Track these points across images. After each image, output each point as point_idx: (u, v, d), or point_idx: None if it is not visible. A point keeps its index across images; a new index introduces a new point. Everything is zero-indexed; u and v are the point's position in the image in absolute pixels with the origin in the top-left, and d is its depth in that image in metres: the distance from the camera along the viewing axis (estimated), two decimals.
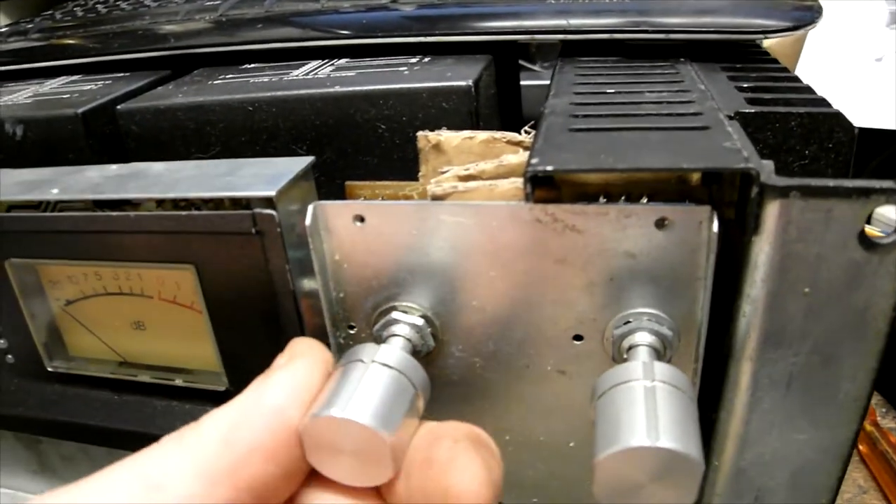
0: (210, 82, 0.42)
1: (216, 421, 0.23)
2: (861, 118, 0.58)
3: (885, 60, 0.61)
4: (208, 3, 0.52)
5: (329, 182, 0.37)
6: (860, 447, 0.49)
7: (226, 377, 0.36)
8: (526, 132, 0.31)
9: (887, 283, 0.25)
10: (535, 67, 0.74)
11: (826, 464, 0.29)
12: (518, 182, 0.27)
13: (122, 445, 0.39)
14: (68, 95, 0.46)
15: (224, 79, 0.42)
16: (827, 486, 0.30)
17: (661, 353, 0.26)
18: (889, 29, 0.62)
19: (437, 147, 0.31)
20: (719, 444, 0.29)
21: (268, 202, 0.29)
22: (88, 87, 0.47)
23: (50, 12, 0.67)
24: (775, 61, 0.40)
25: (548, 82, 0.53)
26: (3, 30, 0.61)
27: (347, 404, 0.23)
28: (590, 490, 0.33)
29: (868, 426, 0.50)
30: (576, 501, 0.34)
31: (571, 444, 0.32)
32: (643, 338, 0.27)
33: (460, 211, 0.26)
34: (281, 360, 0.26)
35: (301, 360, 0.25)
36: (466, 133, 0.31)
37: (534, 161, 0.25)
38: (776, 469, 0.29)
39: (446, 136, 0.31)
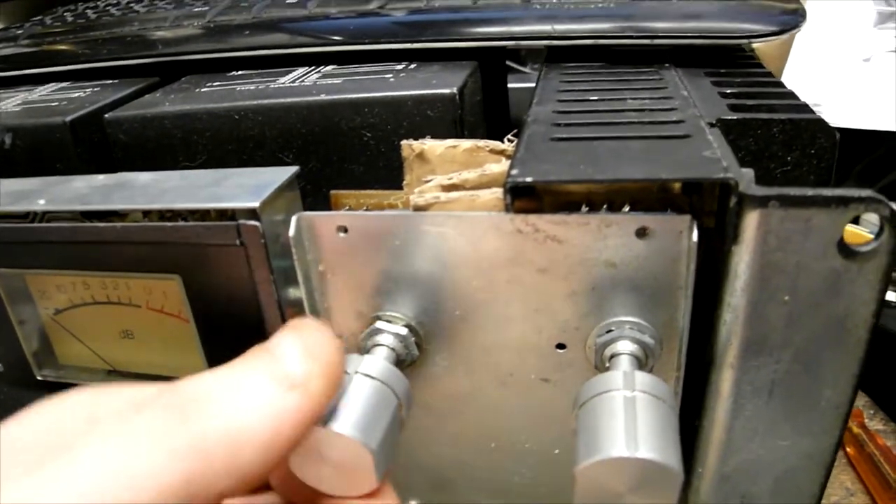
0: (197, 90, 0.42)
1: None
2: (849, 119, 0.58)
3: (872, 61, 0.61)
4: (197, 10, 0.52)
5: (315, 191, 0.37)
6: (847, 449, 0.49)
7: None
8: (509, 140, 0.31)
9: (867, 290, 0.25)
10: (525, 69, 0.74)
11: (809, 470, 0.29)
12: (499, 192, 0.27)
13: None
14: (57, 103, 0.46)
15: (211, 86, 0.42)
16: (810, 492, 0.30)
17: (643, 361, 0.27)
18: (877, 29, 0.62)
19: (420, 156, 0.31)
20: (703, 451, 0.30)
21: (252, 213, 0.29)
22: (77, 94, 0.47)
23: (39, 18, 0.66)
24: (760, 66, 0.40)
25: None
26: None
27: (332, 416, 0.23)
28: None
29: (855, 428, 0.50)
30: None
31: (556, 451, 0.32)
32: (625, 346, 0.27)
33: (442, 221, 0.27)
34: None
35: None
36: (450, 142, 0.31)
37: (514, 172, 0.25)
38: (760, 475, 0.30)
39: (430, 145, 0.31)
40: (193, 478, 0.18)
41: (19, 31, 0.60)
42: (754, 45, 0.45)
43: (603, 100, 0.32)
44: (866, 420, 0.52)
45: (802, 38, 0.61)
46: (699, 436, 0.29)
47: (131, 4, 0.63)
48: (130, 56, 0.50)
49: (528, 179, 0.24)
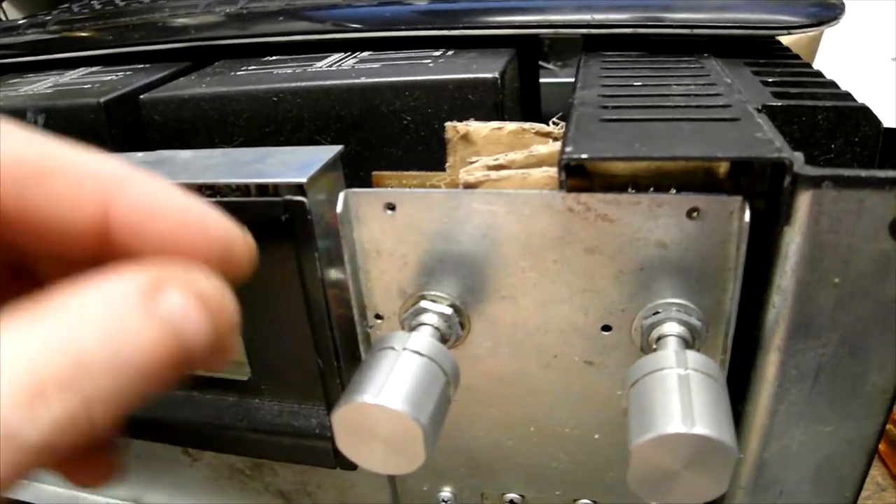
0: (233, 73, 0.42)
1: None
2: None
3: None
4: None
5: (352, 174, 0.37)
6: (878, 445, 0.49)
7: (248, 367, 0.36)
8: (554, 123, 0.31)
9: None
10: (550, 66, 0.74)
11: (851, 456, 0.29)
12: (550, 171, 0.27)
13: (143, 436, 0.39)
14: (89, 86, 0.46)
15: (247, 70, 0.42)
16: (851, 480, 0.30)
17: (690, 343, 0.26)
18: None
19: (465, 137, 0.31)
20: (744, 435, 0.30)
21: (298, 189, 0.29)
22: (108, 77, 0.47)
23: (67, 5, 0.67)
24: (797, 57, 0.40)
25: (563, 80, 0.53)
26: (21, 22, 0.61)
27: (381, 391, 0.23)
28: (612, 482, 0.34)
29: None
30: (598, 493, 0.34)
31: (596, 436, 0.32)
32: (672, 328, 0.27)
33: (493, 199, 0.27)
34: None
35: None
36: (495, 124, 0.31)
37: (568, 149, 0.25)
38: (801, 461, 0.30)
39: (475, 127, 0.31)
40: None
41: (48, 18, 0.60)
42: (784, 40, 0.45)
43: (647, 85, 0.32)
44: None
45: (830, 36, 0.61)
46: (741, 420, 0.29)
47: None
48: (162, 41, 0.50)
49: (584, 156, 0.24)
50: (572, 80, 0.35)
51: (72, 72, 0.52)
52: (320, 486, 0.41)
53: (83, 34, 0.55)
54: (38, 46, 0.56)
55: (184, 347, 0.17)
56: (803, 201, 0.24)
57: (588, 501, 0.35)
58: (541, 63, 0.73)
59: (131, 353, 0.16)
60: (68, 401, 0.15)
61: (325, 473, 0.40)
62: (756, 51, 0.40)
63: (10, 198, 0.17)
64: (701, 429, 0.21)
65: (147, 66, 0.50)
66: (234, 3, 0.50)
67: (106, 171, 0.18)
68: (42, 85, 0.48)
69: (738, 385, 0.29)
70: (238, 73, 0.42)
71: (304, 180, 0.28)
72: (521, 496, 0.35)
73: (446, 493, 0.36)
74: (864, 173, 0.23)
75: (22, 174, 0.17)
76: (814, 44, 0.61)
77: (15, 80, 0.51)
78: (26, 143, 0.17)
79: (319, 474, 0.41)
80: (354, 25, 0.44)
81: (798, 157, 0.24)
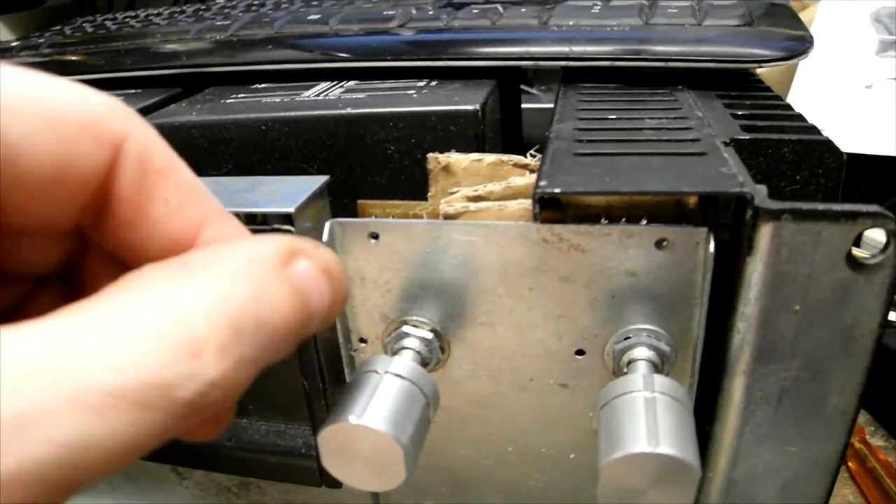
0: (223, 101, 0.43)
1: None
2: (851, 144, 0.60)
3: (874, 88, 0.63)
4: (218, 23, 0.53)
5: (338, 201, 0.38)
6: (850, 464, 0.51)
7: None
8: (531, 155, 0.32)
9: (873, 301, 0.26)
10: (533, 91, 0.76)
11: (816, 475, 0.30)
12: (526, 203, 0.28)
13: None
14: None
15: (236, 98, 0.44)
16: (817, 497, 0.31)
17: (659, 367, 0.28)
18: (878, 57, 0.64)
19: (446, 168, 0.32)
20: (713, 456, 0.31)
21: (286, 218, 0.30)
22: None
23: (59, 28, 0.68)
24: (768, 89, 0.41)
25: (546, 106, 0.54)
26: (14, 44, 0.63)
27: (364, 412, 0.25)
28: (587, 500, 0.35)
29: (857, 444, 0.51)
30: None
31: (572, 456, 0.33)
32: (642, 353, 0.28)
33: (471, 230, 0.28)
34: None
35: None
36: (475, 155, 0.32)
37: (542, 183, 0.26)
38: (768, 481, 0.31)
39: (455, 158, 0.32)
40: None
41: (41, 41, 0.62)
42: (759, 71, 0.46)
43: (621, 118, 0.34)
44: (868, 436, 0.53)
45: (806, 64, 0.63)
46: (710, 441, 0.30)
47: (150, 17, 0.64)
48: (153, 67, 0.51)
49: (557, 190, 0.26)
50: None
51: None
52: None
53: (75, 58, 0.56)
54: (32, 69, 0.57)
55: (308, 313, 0.18)
56: (764, 233, 0.25)
57: None
58: (524, 87, 0.75)
59: (273, 316, 0.17)
60: (224, 361, 0.15)
61: (310, 492, 0.41)
62: (729, 83, 0.41)
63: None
64: (665, 448, 0.22)
65: (138, 91, 0.51)
66: (223, 31, 0.52)
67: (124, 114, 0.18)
68: None
69: (706, 407, 0.30)
70: (228, 100, 0.43)
71: (291, 210, 0.30)
72: None
73: None
74: (821, 206, 0.25)
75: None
76: (789, 72, 0.63)
77: None
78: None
79: (305, 493, 0.42)
80: (342, 55, 0.46)
81: (760, 190, 0.26)
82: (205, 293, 0.16)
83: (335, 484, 0.37)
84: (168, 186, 0.18)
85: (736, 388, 0.29)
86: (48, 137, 0.16)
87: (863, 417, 0.55)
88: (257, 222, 0.31)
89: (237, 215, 0.32)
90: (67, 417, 0.13)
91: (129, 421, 0.14)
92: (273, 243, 0.18)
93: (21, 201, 0.17)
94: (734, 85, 0.41)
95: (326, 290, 0.19)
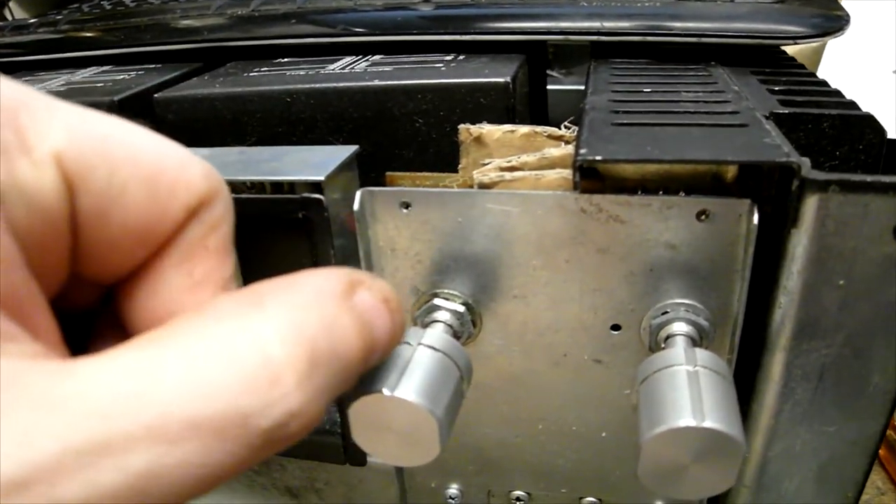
0: (246, 74, 0.43)
1: None
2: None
3: None
4: None
5: (363, 174, 0.37)
6: (879, 451, 0.50)
7: None
8: (566, 127, 0.31)
9: None
10: (554, 73, 0.75)
11: (854, 457, 0.30)
12: (564, 172, 0.28)
13: None
14: (102, 84, 0.46)
15: (259, 71, 0.43)
16: (854, 480, 0.30)
17: (698, 343, 0.27)
18: None
19: (478, 140, 0.31)
20: (749, 434, 0.30)
21: (315, 187, 0.29)
22: (120, 76, 0.48)
23: (77, 5, 0.67)
24: (802, 66, 0.41)
25: (568, 87, 0.54)
26: (32, 21, 0.62)
27: (397, 384, 0.24)
28: (617, 480, 0.34)
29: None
30: (604, 492, 0.35)
31: (603, 434, 0.32)
32: (680, 328, 0.27)
33: (507, 199, 0.27)
34: None
35: None
36: (508, 126, 0.31)
37: (582, 151, 0.26)
38: (804, 461, 0.30)
39: (488, 129, 0.31)
40: None
41: (59, 17, 0.61)
42: (788, 50, 0.46)
43: (657, 91, 0.33)
44: None
45: (832, 49, 0.62)
46: (747, 420, 0.30)
47: None
48: (175, 41, 0.50)
49: (598, 157, 0.25)
50: (576, 87, 0.36)
51: (83, 71, 0.52)
52: (328, 483, 0.42)
53: (94, 34, 0.56)
54: (50, 45, 0.56)
55: (373, 343, 0.18)
56: (810, 205, 0.25)
57: (593, 499, 0.35)
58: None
59: (344, 345, 0.16)
60: (303, 390, 0.15)
61: (333, 469, 0.41)
62: (762, 60, 0.40)
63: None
64: (711, 423, 0.22)
65: (158, 66, 0.50)
66: (245, 6, 0.51)
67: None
68: (54, 83, 0.48)
69: (744, 385, 0.29)
70: (251, 74, 0.43)
71: (321, 178, 0.29)
72: (528, 494, 0.36)
73: (453, 490, 0.37)
74: (869, 178, 0.24)
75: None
76: (817, 55, 0.62)
77: (27, 79, 0.51)
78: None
79: (327, 470, 0.41)
80: (365, 29, 0.45)
81: (805, 161, 0.25)
82: (280, 322, 0.15)
83: (359, 462, 0.36)
84: (202, 263, 0.18)
85: (775, 365, 0.28)
86: (143, 196, 0.16)
87: None
88: (284, 191, 0.31)
89: (263, 185, 0.31)
90: (144, 445, 0.13)
91: (203, 452, 0.13)
92: (335, 275, 0.18)
93: (102, 255, 0.16)
94: (768, 62, 0.40)
95: (388, 320, 0.18)
